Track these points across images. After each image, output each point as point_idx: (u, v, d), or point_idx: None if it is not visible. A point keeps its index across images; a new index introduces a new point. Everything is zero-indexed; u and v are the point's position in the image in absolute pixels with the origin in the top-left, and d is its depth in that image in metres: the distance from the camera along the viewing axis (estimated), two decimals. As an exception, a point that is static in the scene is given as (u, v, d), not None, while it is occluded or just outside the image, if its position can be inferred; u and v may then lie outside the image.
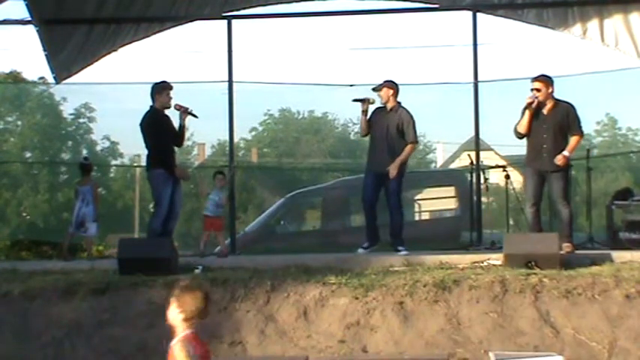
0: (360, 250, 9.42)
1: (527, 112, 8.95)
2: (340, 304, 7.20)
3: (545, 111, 9.01)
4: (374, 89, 9.64)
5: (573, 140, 9.06)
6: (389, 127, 9.46)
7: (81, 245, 11.35)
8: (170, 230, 9.40)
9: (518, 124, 9.09)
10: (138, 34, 12.43)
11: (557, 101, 9.07)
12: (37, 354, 7.08)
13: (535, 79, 9.03)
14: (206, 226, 10.34)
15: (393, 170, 9.32)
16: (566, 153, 8.97)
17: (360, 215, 9.84)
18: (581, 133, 9.15)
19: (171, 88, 9.47)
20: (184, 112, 9.43)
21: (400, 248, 9.37)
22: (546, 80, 9.01)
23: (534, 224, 9.02)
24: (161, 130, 9.33)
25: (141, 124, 9.37)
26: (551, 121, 8.97)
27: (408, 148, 9.49)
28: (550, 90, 8.99)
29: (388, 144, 9.45)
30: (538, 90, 8.96)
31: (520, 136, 9.13)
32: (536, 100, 8.92)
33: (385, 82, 9.62)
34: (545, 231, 9.18)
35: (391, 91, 9.56)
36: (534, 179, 9.06)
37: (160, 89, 9.42)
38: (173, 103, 9.45)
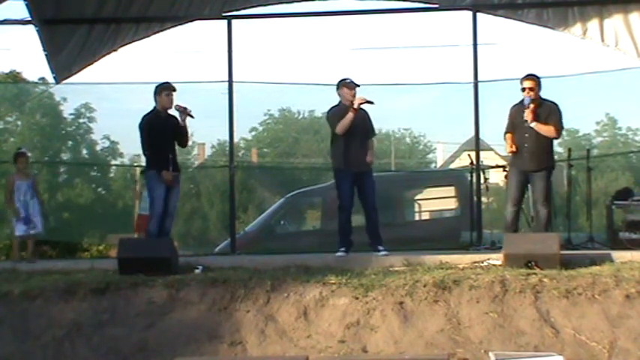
0: (340, 254, 9.25)
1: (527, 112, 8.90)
2: (340, 304, 7.19)
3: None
4: (345, 86, 9.47)
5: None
6: (363, 126, 9.46)
7: (81, 245, 11.31)
8: (167, 230, 9.41)
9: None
10: (138, 34, 12.45)
11: (543, 101, 9.01)
12: (37, 354, 7.08)
13: (526, 78, 8.92)
14: (144, 226, 10.19)
15: (370, 158, 9.42)
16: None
17: (361, 215, 9.81)
18: (558, 131, 8.98)
19: (171, 89, 9.48)
20: (183, 112, 9.44)
21: (380, 248, 9.23)
22: (537, 79, 8.94)
23: (512, 224, 8.99)
24: (154, 132, 9.33)
25: (139, 125, 9.41)
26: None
27: (374, 142, 9.87)
28: (539, 89, 8.93)
29: (362, 142, 9.46)
30: (531, 89, 8.89)
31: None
32: (531, 105, 8.84)
33: (351, 81, 9.49)
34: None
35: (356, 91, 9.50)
36: (517, 179, 9.02)
37: (159, 90, 9.45)
38: (174, 103, 9.45)
